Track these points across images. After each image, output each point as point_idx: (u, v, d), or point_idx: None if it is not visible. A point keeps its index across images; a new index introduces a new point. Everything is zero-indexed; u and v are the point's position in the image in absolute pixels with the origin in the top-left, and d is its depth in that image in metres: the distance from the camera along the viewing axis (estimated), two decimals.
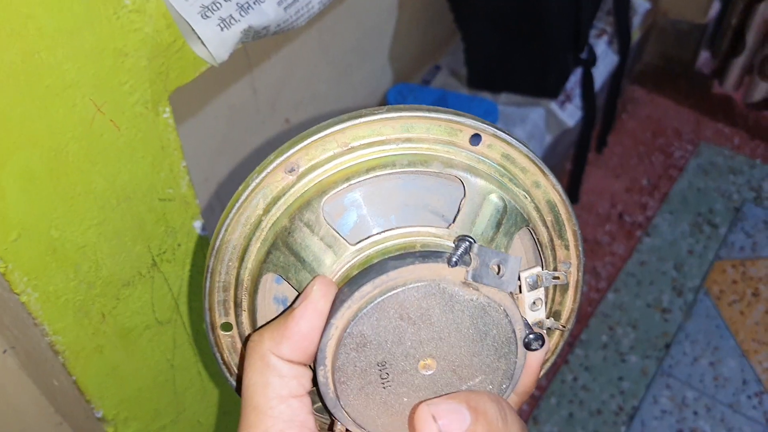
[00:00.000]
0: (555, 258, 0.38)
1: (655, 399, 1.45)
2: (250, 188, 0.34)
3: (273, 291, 0.36)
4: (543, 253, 0.37)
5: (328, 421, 0.36)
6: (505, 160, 0.36)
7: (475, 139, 0.35)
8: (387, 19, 1.27)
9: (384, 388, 0.32)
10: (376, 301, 0.31)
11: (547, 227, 0.37)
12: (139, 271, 0.51)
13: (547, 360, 0.40)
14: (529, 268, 0.36)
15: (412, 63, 1.44)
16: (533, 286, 0.35)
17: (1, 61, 0.35)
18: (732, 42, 1.87)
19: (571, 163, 1.71)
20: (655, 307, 1.57)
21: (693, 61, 1.96)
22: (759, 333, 1.52)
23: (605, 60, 1.56)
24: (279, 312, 0.36)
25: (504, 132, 0.35)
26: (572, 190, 1.72)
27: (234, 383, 0.39)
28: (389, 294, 0.31)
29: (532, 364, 0.36)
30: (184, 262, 0.54)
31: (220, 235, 0.35)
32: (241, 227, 0.35)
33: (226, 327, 0.37)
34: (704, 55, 1.98)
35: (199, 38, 0.43)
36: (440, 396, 0.33)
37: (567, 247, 0.38)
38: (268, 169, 0.34)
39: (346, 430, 0.34)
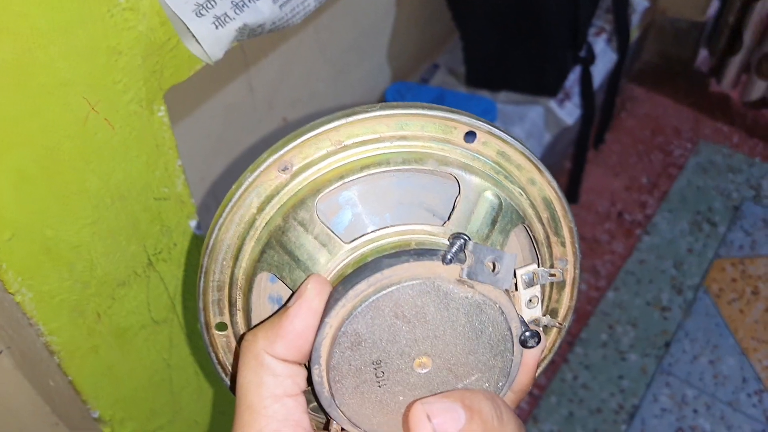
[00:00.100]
0: (551, 255, 0.38)
1: (655, 397, 1.44)
2: (244, 187, 0.34)
3: (268, 290, 0.36)
4: (539, 251, 0.37)
5: (324, 421, 0.36)
6: (500, 157, 0.36)
7: (470, 136, 0.35)
8: (385, 17, 1.27)
9: (379, 386, 0.32)
10: (370, 300, 0.31)
11: (543, 224, 0.37)
12: (134, 271, 0.51)
13: (544, 358, 0.40)
14: (525, 265, 0.35)
15: (410, 61, 1.44)
16: (529, 284, 0.35)
17: None
18: (729, 40, 1.87)
19: (570, 161, 1.71)
20: (654, 306, 1.57)
21: (692, 59, 1.96)
22: (758, 331, 1.52)
23: (604, 58, 1.56)
24: (274, 311, 0.36)
25: (499, 129, 0.35)
26: (572, 189, 1.71)
27: (229, 383, 0.39)
28: (384, 292, 0.31)
29: (529, 361, 0.35)
30: (179, 261, 0.54)
31: (214, 234, 0.34)
32: (235, 226, 0.34)
33: (221, 326, 0.37)
34: (703, 54, 1.98)
35: (194, 36, 0.42)
36: (435, 395, 0.32)
37: (563, 244, 0.38)
38: (262, 168, 0.34)
39: (342, 429, 0.34)
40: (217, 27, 0.42)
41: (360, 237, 0.34)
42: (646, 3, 1.70)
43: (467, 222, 0.34)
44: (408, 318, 0.31)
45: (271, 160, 0.34)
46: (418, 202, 0.35)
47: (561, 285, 0.39)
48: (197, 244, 0.55)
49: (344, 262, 0.33)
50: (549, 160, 1.57)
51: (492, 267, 0.32)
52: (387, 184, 0.35)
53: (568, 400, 1.45)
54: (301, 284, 0.32)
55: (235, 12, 0.43)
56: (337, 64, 1.17)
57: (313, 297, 0.31)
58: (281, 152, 0.34)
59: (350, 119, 0.34)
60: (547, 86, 1.43)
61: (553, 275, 0.36)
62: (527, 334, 0.33)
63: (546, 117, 1.47)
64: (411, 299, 0.31)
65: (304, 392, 0.33)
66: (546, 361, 0.41)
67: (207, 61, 0.45)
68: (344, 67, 1.20)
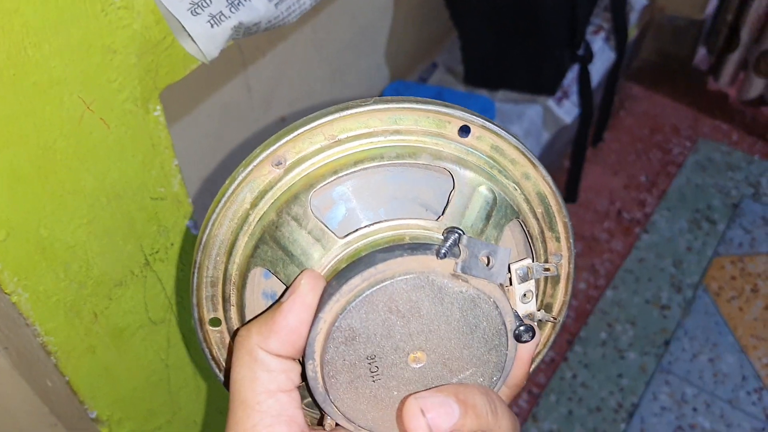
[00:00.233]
0: (546, 250, 0.38)
1: (654, 396, 1.44)
2: (237, 182, 0.34)
3: (261, 286, 0.36)
4: (533, 246, 0.37)
5: (318, 416, 0.36)
6: (495, 151, 0.36)
7: (464, 130, 0.35)
8: (383, 16, 1.27)
9: (374, 381, 0.32)
10: (364, 294, 0.30)
11: (537, 219, 0.37)
12: (131, 271, 0.51)
13: (538, 353, 0.40)
14: (520, 260, 0.35)
15: (408, 60, 1.43)
16: (523, 278, 0.35)
17: None
18: (727, 38, 1.87)
19: (569, 160, 1.71)
20: (653, 304, 1.57)
21: (690, 57, 1.96)
22: (758, 329, 1.52)
23: (602, 57, 1.56)
24: (267, 307, 0.36)
25: (493, 123, 0.35)
26: (571, 188, 1.71)
27: (222, 378, 0.39)
28: (378, 287, 0.30)
29: (523, 356, 0.35)
30: (177, 261, 0.54)
31: (207, 230, 0.34)
32: (228, 221, 0.34)
33: (215, 322, 0.37)
34: (702, 52, 1.98)
35: (189, 35, 0.42)
36: (429, 389, 0.32)
37: (558, 239, 0.38)
38: (255, 163, 0.33)
39: (336, 424, 0.34)
40: (212, 25, 0.42)
41: (354, 231, 0.34)
42: (644, 1, 1.70)
43: (461, 217, 0.34)
44: (402, 313, 0.31)
45: (264, 155, 0.33)
46: (412, 197, 0.35)
47: (555, 280, 0.39)
48: (194, 243, 0.54)
49: (338, 257, 0.33)
50: (547, 158, 1.57)
51: (486, 261, 0.32)
52: (381, 179, 0.34)
53: (568, 399, 1.45)
54: (295, 279, 0.32)
55: (231, 10, 0.43)
56: (334, 63, 1.17)
57: (306, 292, 0.31)
58: (274, 147, 0.33)
59: (344, 113, 0.34)
60: (545, 85, 1.43)
61: (548, 270, 0.36)
62: (522, 328, 0.33)
63: (544, 116, 1.47)
64: (405, 294, 0.31)
65: (298, 388, 0.32)
66: (540, 356, 0.41)
67: (202, 60, 0.44)
68: (342, 67, 1.20)
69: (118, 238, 0.48)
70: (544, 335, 0.41)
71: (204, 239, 0.34)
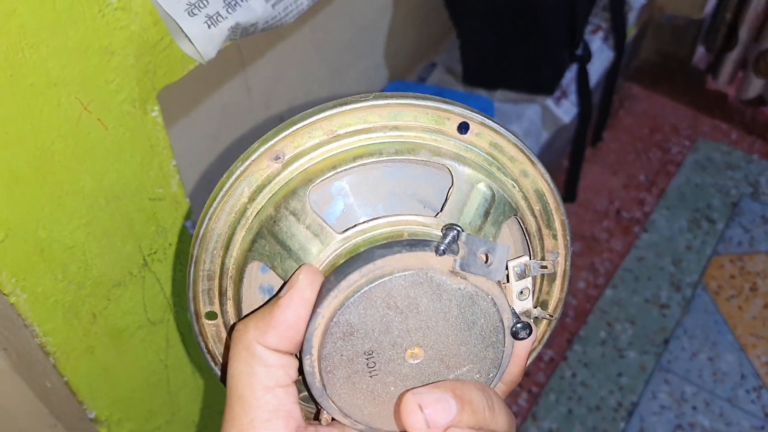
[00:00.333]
0: (543, 248, 0.38)
1: (653, 394, 1.44)
2: (235, 176, 0.34)
3: (258, 280, 0.36)
4: (531, 243, 0.37)
5: (314, 411, 0.36)
6: (493, 148, 0.36)
7: (463, 127, 0.35)
8: (382, 16, 1.27)
9: (371, 377, 0.32)
10: (363, 290, 0.31)
11: (535, 217, 0.37)
12: (129, 271, 0.51)
13: (534, 349, 0.40)
14: (517, 257, 0.35)
15: (407, 60, 1.44)
16: (521, 276, 0.35)
17: None
18: (725, 37, 1.87)
19: (568, 160, 1.71)
20: (653, 303, 1.57)
21: (689, 57, 1.96)
22: (757, 327, 1.52)
23: (601, 56, 1.56)
24: (264, 301, 0.36)
25: (492, 120, 0.35)
26: (570, 187, 1.71)
27: (218, 372, 0.39)
28: (376, 283, 0.31)
29: (520, 353, 0.35)
30: (175, 261, 0.54)
31: (205, 224, 0.34)
32: (226, 216, 0.34)
33: (211, 316, 0.37)
34: (701, 51, 1.98)
35: (187, 36, 0.42)
36: (426, 385, 0.32)
37: (555, 237, 0.38)
38: (253, 157, 0.33)
39: (332, 419, 0.34)
40: (209, 26, 0.42)
41: (352, 227, 0.34)
42: (643, 0, 1.70)
43: (460, 213, 0.34)
44: (400, 309, 0.31)
45: (263, 149, 0.33)
46: (410, 193, 0.35)
47: (552, 277, 0.39)
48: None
49: (336, 252, 0.33)
50: (547, 158, 1.57)
51: (485, 258, 0.32)
52: (379, 175, 0.34)
53: (567, 398, 1.45)
54: (293, 274, 0.32)
55: (228, 11, 0.43)
56: (333, 63, 1.17)
57: (305, 287, 0.31)
58: (273, 141, 0.33)
59: (343, 108, 0.34)
60: (544, 85, 1.43)
61: (545, 267, 0.36)
62: (519, 325, 0.33)
63: (543, 115, 1.47)
64: (404, 290, 0.31)
65: (295, 382, 0.33)
66: (535, 353, 0.41)
67: (200, 61, 0.45)
68: (341, 67, 1.20)
69: (116, 239, 0.48)
70: (540, 332, 0.41)
71: (201, 233, 0.34)
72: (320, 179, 0.34)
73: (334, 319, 0.31)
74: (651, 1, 1.75)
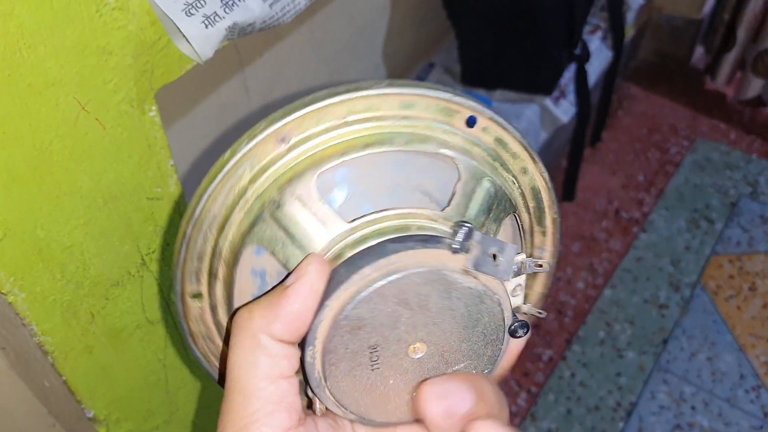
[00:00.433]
0: (532, 244, 0.38)
1: (652, 394, 1.45)
2: (238, 156, 0.33)
3: (251, 263, 0.34)
4: (524, 239, 0.37)
5: (306, 401, 0.36)
6: (498, 144, 0.35)
7: (471, 121, 0.34)
8: (380, 16, 1.27)
9: (372, 370, 0.32)
10: (376, 285, 0.30)
11: (529, 214, 0.37)
12: (128, 271, 0.51)
13: None
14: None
15: (405, 61, 1.44)
16: (517, 273, 0.35)
17: None
18: (724, 37, 1.87)
19: (566, 160, 1.71)
20: (652, 303, 1.57)
21: (688, 57, 1.96)
22: (756, 327, 1.52)
23: (599, 56, 1.56)
24: (256, 286, 0.35)
25: (500, 116, 0.35)
26: (568, 188, 1.71)
27: (198, 354, 0.38)
28: (390, 278, 0.30)
29: (513, 350, 0.36)
30: (173, 261, 0.54)
31: (202, 203, 0.33)
32: (224, 196, 0.33)
33: (197, 296, 0.36)
34: (699, 51, 1.98)
35: (184, 36, 0.42)
36: (443, 375, 0.33)
37: (544, 234, 0.38)
38: (259, 138, 0.32)
39: (326, 409, 0.34)
40: (206, 26, 0.42)
41: (360, 217, 0.33)
42: (641, 0, 1.70)
43: (465, 209, 0.34)
44: (410, 305, 0.31)
45: (270, 130, 0.32)
46: (415, 185, 0.34)
47: (536, 273, 0.39)
48: None
49: (343, 241, 0.32)
50: (545, 158, 1.56)
51: (494, 258, 0.32)
52: (386, 164, 0.34)
53: (566, 398, 1.45)
54: (301, 262, 0.31)
55: (225, 11, 0.43)
56: (332, 63, 1.17)
57: (314, 278, 0.30)
58: (281, 123, 0.32)
59: (355, 95, 0.33)
60: (543, 85, 1.43)
61: (540, 266, 0.36)
62: (517, 324, 0.33)
63: (542, 115, 1.48)
64: (416, 287, 0.31)
65: (296, 373, 0.32)
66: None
67: (197, 61, 0.45)
68: (339, 67, 1.20)
69: (114, 239, 0.48)
70: None
71: (197, 212, 0.33)
72: (329, 165, 0.32)
73: (344, 313, 0.30)
74: (649, 1, 1.75)
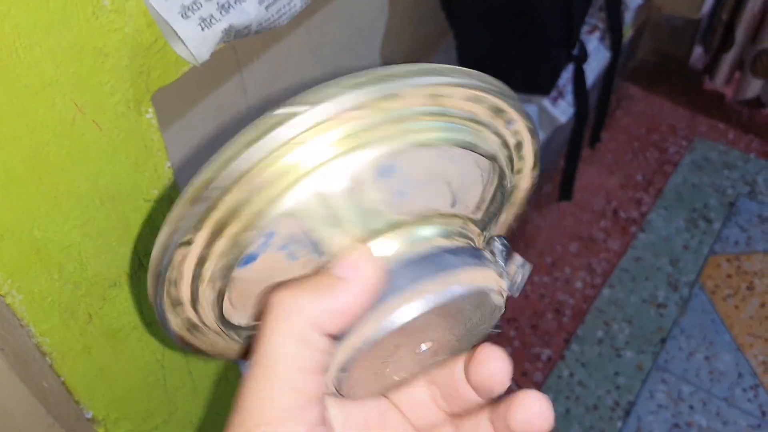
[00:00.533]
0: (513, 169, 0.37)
1: (651, 394, 1.45)
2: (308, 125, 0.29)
3: (280, 229, 0.31)
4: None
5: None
6: (517, 149, 0.35)
7: (510, 123, 0.34)
8: (378, 17, 1.27)
9: (382, 362, 0.32)
10: (428, 297, 0.29)
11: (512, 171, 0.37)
12: (125, 272, 0.51)
13: None
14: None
15: (404, 61, 1.44)
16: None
17: None
18: (722, 37, 1.87)
19: (564, 160, 1.71)
20: (650, 303, 1.58)
21: (687, 57, 1.96)
22: (754, 327, 1.52)
23: (597, 56, 1.56)
24: (287, 265, 0.32)
25: (532, 123, 0.35)
26: (566, 188, 1.72)
27: (159, 305, 0.34)
28: (446, 294, 0.30)
29: None
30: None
31: (254, 159, 0.30)
32: (270, 157, 0.30)
33: (184, 244, 0.31)
34: (698, 51, 1.98)
35: (180, 38, 0.43)
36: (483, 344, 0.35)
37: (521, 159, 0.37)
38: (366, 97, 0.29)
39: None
40: (202, 28, 0.43)
41: (405, 213, 0.31)
42: (640, 0, 1.70)
43: (495, 215, 0.35)
44: (446, 316, 0.31)
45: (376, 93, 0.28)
46: (456, 185, 0.33)
47: (514, 203, 0.39)
48: None
49: (397, 239, 0.31)
50: (545, 158, 1.57)
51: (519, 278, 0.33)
52: (436, 161, 0.32)
53: (565, 398, 1.45)
54: (355, 255, 0.29)
55: (221, 13, 0.43)
56: (330, 64, 1.17)
57: (375, 278, 0.29)
58: (429, 80, 0.29)
59: (445, 79, 0.30)
60: (541, 85, 1.43)
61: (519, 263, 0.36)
62: (492, 332, 0.35)
63: (540, 115, 1.48)
64: (460, 301, 0.30)
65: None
66: None
67: (193, 63, 0.45)
68: (337, 68, 1.20)
69: (112, 240, 0.48)
70: None
71: (245, 168, 0.29)
72: (386, 152, 0.30)
73: (391, 318, 0.29)
74: (648, 1, 1.76)
